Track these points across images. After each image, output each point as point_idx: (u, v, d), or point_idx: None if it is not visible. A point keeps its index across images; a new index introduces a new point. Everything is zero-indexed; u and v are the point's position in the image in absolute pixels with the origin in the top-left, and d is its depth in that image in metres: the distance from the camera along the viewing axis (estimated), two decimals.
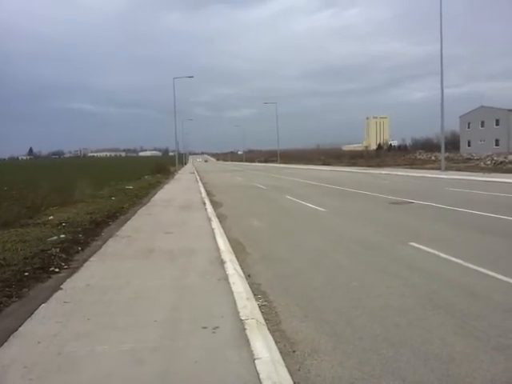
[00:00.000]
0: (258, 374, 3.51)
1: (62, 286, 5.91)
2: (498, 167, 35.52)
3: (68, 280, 6.23)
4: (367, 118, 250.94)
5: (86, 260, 7.41)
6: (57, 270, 6.72)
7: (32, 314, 4.89)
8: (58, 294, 5.62)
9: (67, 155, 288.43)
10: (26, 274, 6.25)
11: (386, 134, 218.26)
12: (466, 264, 6.94)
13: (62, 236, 8.93)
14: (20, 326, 4.53)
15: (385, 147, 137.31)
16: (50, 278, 6.34)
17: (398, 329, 4.63)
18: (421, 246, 8.26)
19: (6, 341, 4.16)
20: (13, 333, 4.34)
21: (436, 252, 7.77)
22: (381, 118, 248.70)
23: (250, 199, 19.43)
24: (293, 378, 3.61)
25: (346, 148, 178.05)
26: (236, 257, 7.99)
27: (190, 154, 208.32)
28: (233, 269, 6.83)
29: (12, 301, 5.29)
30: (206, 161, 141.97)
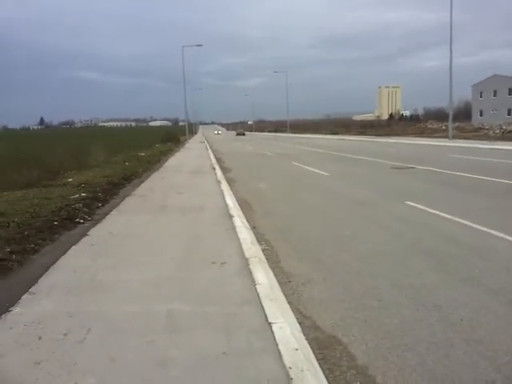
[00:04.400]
0: (257, 294, 4.25)
1: (88, 233, 6.69)
2: (507, 136, 35.54)
3: (93, 229, 7.01)
4: (379, 88, 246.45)
5: (106, 214, 8.18)
6: (81, 221, 7.49)
7: (65, 252, 5.67)
8: (86, 238, 6.40)
9: (78, 125, 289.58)
10: (55, 223, 7.03)
11: (398, 104, 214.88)
12: (452, 217, 7.59)
13: (83, 194, 9.70)
14: (56, 261, 5.32)
15: (396, 117, 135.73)
16: (76, 227, 7.12)
17: (381, 266, 5.33)
18: (414, 204, 8.89)
19: (46, 271, 4.95)
20: (52, 265, 5.13)
21: (427, 209, 8.40)
22: (393, 87, 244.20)
23: (258, 165, 20.07)
24: (287, 299, 4.35)
25: (357, 118, 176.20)
26: (243, 213, 8.69)
27: (200, 123, 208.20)
28: (240, 221, 7.55)
29: (46, 243, 6.08)
30: (218, 132, 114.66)
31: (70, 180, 12.48)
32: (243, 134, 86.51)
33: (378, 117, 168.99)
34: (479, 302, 4.16)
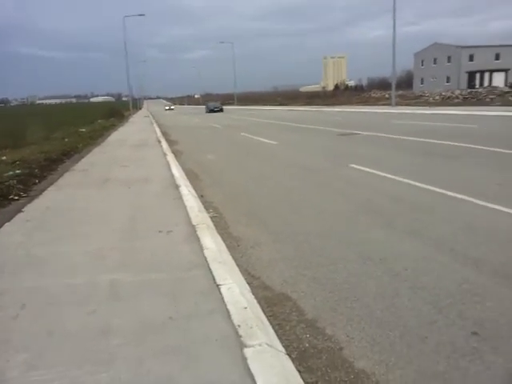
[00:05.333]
0: (205, 258, 4.14)
1: (23, 210, 6.27)
2: (446, 102, 37.00)
3: (28, 205, 6.58)
4: (324, 58, 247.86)
5: (43, 190, 7.71)
6: (16, 197, 7.01)
7: None
8: (20, 215, 5.99)
9: (13, 103, 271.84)
10: None
11: (343, 74, 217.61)
12: (395, 177, 7.79)
13: (18, 171, 9.07)
14: None
15: (342, 87, 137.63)
16: (10, 204, 6.65)
17: (330, 226, 5.36)
18: (360, 167, 9.04)
19: None
20: None
21: (372, 171, 8.57)
22: (338, 57, 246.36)
23: (205, 137, 19.72)
24: (236, 262, 4.28)
25: (304, 89, 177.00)
26: (190, 183, 8.49)
27: (145, 98, 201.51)
28: (187, 191, 7.36)
29: None
30: (169, 107, 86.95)
31: (3, 158, 11.65)
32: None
33: (324, 88, 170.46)
34: (422, 253, 4.28)
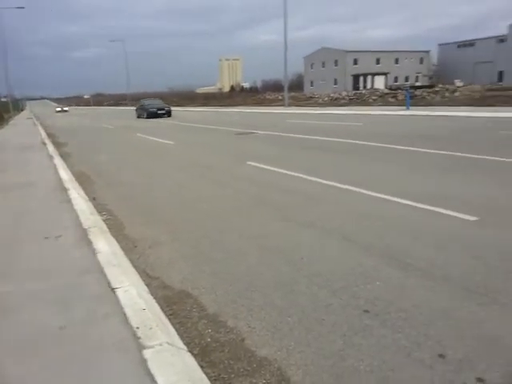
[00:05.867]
0: (98, 262, 3.89)
1: None
2: (334, 102, 39.52)
3: None
4: (220, 60, 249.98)
5: None
6: None
7: None
8: None
9: None
10: None
11: (238, 76, 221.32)
12: (289, 172, 8.10)
13: None
14: None
15: (237, 89, 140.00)
16: None
17: (229, 221, 5.38)
18: (257, 164, 9.23)
19: None
20: None
21: (268, 167, 8.81)
22: (233, 59, 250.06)
23: (97, 138, 18.72)
24: (133, 263, 4.09)
25: (201, 90, 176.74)
26: (81, 185, 7.97)
27: (28, 99, 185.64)
28: (76, 194, 6.90)
29: None
30: (62, 109, 72.07)
31: None
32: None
33: (220, 89, 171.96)
34: (317, 242, 4.48)
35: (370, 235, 4.56)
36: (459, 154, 9.19)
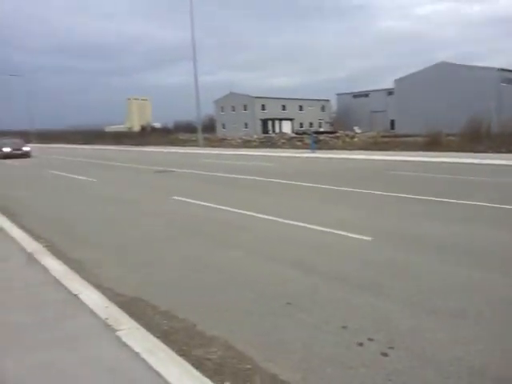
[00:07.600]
0: (54, 277, 4.40)
1: None
2: (246, 144, 41.57)
3: None
4: (128, 99, 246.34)
5: None
6: None
7: None
8: None
9: None
10: None
11: (148, 116, 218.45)
12: (208, 204, 9.05)
13: None
14: None
15: (148, 129, 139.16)
16: None
17: (165, 250, 6.08)
18: (181, 198, 10.01)
19: None
20: None
21: (192, 200, 9.63)
22: (142, 99, 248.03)
23: (7, 176, 18.10)
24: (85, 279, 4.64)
25: (109, 129, 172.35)
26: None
27: None
28: (8, 223, 7.10)
29: None
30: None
31: None
32: None
33: (130, 128, 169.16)
34: (237, 260, 5.37)
35: (279, 251, 5.56)
36: (346, 188, 10.76)
